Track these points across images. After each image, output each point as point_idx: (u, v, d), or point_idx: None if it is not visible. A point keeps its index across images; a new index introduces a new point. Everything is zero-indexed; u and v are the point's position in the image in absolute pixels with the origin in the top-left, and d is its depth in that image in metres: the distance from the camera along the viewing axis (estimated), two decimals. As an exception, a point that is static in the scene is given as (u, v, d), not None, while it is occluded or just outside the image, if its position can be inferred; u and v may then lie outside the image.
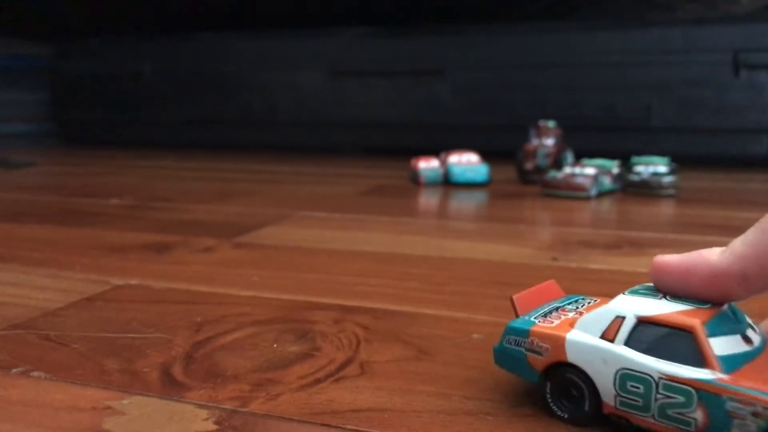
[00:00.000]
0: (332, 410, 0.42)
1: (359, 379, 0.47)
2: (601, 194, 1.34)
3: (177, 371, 0.48)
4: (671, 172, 1.33)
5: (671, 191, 1.31)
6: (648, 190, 1.32)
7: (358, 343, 0.54)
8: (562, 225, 1.12)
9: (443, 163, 1.55)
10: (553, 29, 2.06)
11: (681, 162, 1.45)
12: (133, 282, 0.72)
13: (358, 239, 0.95)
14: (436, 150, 1.63)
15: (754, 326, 0.40)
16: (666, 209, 1.23)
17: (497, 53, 2.09)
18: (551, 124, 1.56)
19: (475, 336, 0.55)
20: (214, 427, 0.40)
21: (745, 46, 1.83)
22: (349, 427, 0.40)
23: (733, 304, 0.40)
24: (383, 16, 2.37)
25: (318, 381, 0.46)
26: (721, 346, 0.36)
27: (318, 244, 0.91)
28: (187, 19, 2.62)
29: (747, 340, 0.38)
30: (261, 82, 2.45)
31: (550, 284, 0.47)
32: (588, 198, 1.29)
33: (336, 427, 0.40)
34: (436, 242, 0.94)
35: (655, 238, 0.96)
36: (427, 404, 0.43)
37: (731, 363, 0.35)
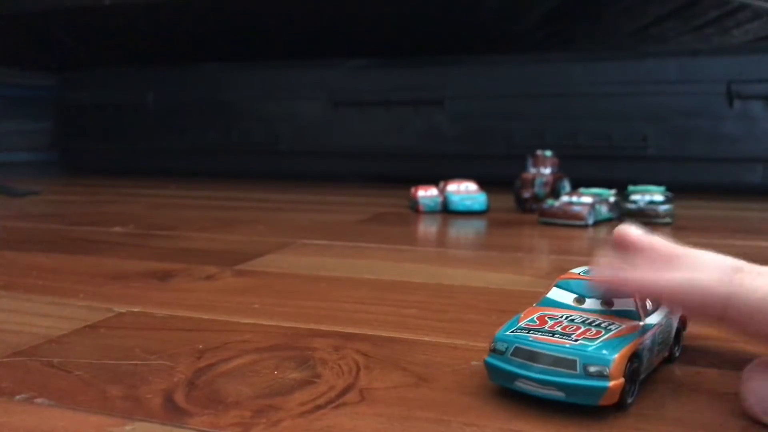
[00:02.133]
0: (332, 436, 0.43)
1: (359, 406, 0.47)
2: (598, 223, 1.35)
3: (179, 397, 0.49)
4: (667, 201, 1.35)
5: (667, 220, 1.33)
6: (644, 218, 1.34)
7: (358, 370, 0.54)
8: (559, 253, 1.13)
9: (442, 191, 1.57)
10: (550, 60, 2.10)
11: (677, 191, 1.46)
12: (136, 309, 0.73)
13: (357, 267, 0.96)
14: (435, 179, 1.65)
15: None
16: (663, 238, 1.24)
17: (495, 84, 2.12)
18: (548, 153, 1.58)
19: (474, 363, 0.56)
20: (216, 452, 0.41)
21: (739, 77, 1.86)
22: (348, 452, 0.41)
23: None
24: (383, 47, 2.41)
25: (318, 407, 0.47)
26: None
27: (318, 271, 0.92)
28: (190, 50, 2.66)
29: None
30: (263, 111, 2.49)
31: None
32: (585, 226, 1.31)
33: (336, 452, 0.41)
34: (434, 270, 0.95)
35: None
36: (426, 430, 0.44)
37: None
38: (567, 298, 0.51)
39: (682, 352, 0.56)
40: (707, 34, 2.35)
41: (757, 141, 1.82)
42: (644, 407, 0.46)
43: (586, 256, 1.09)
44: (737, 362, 0.55)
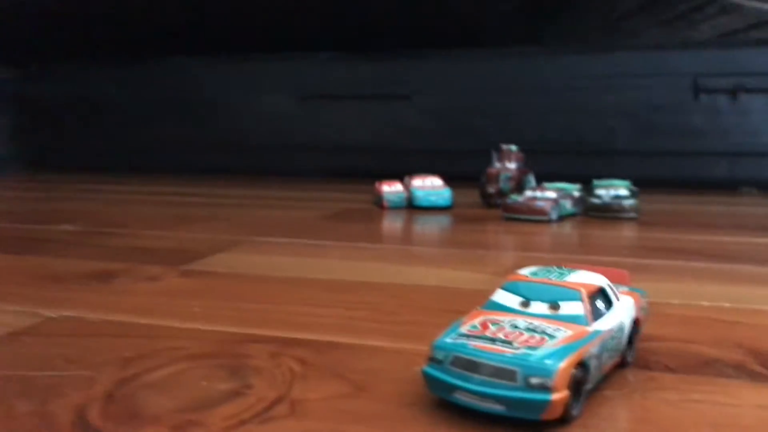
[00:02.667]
0: (253, 455, 0.39)
1: (287, 420, 0.44)
2: (562, 218, 1.33)
3: (93, 413, 0.45)
4: (632, 195, 1.33)
5: (632, 214, 1.31)
6: (609, 213, 1.32)
7: (293, 379, 0.51)
8: (521, 249, 1.11)
9: (407, 187, 1.53)
10: (518, 54, 2.07)
11: (643, 185, 1.45)
12: (68, 314, 0.69)
13: (312, 266, 0.92)
14: (401, 173, 1.62)
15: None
16: (626, 232, 1.22)
17: (463, 78, 2.09)
18: (513, 148, 1.55)
19: (417, 369, 0.52)
20: (123, 476, 0.37)
21: (705, 71, 1.86)
22: (268, 473, 0.37)
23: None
24: (352, 41, 2.37)
25: (243, 422, 0.43)
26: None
27: (270, 271, 0.89)
28: (154, 44, 2.60)
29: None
30: (229, 106, 2.43)
31: None
32: (549, 221, 1.28)
33: (254, 474, 0.37)
34: (392, 268, 0.92)
35: (615, 262, 0.94)
36: (357, 446, 0.40)
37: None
38: (513, 301, 0.48)
39: (635, 356, 0.53)
40: (675, 27, 2.35)
41: (722, 135, 1.81)
42: (591, 418, 0.44)
43: (549, 252, 1.07)
44: (694, 365, 0.53)
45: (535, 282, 0.49)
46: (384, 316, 0.68)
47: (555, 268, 0.51)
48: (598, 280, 0.50)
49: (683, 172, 1.86)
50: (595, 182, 1.39)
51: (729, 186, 1.84)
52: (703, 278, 0.85)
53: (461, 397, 0.42)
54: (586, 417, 0.43)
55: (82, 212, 1.49)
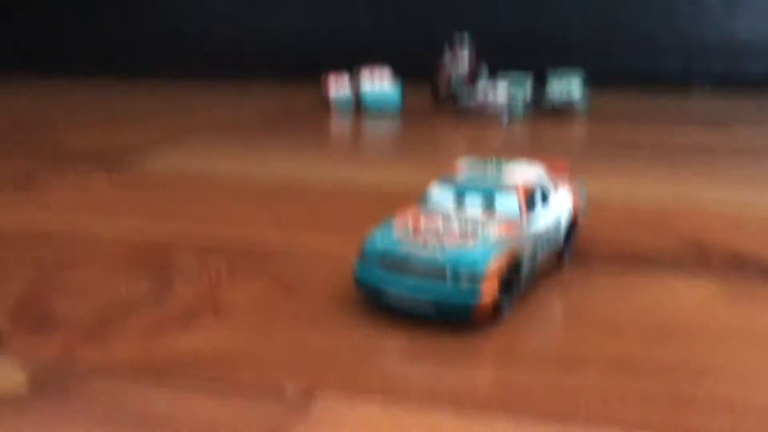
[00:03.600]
0: (170, 363, 0.37)
1: (211, 324, 0.42)
2: (514, 118, 1.30)
3: (1, 319, 0.42)
4: (583, 88, 1.30)
5: (581, 108, 1.29)
6: (560, 107, 1.30)
7: (218, 281, 0.48)
8: (470, 151, 1.09)
9: (355, 84, 1.47)
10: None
11: (598, 79, 1.42)
12: (-17, 217, 0.64)
13: (248, 167, 0.88)
14: (351, 65, 1.55)
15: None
16: (576, 128, 1.21)
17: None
18: (466, 38, 1.50)
19: (348, 269, 0.51)
20: (27, 386, 0.35)
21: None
22: (187, 383, 0.35)
23: None
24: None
25: (160, 327, 0.41)
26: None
27: (202, 172, 0.85)
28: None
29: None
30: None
31: None
32: (502, 128, 1.26)
33: (170, 386, 0.35)
34: (332, 170, 0.89)
35: (573, 160, 0.93)
36: (282, 347, 0.39)
37: None
38: (447, 197, 0.46)
39: (572, 252, 0.52)
40: None
41: (679, 29, 1.78)
42: (524, 316, 0.43)
43: (498, 153, 1.05)
44: (632, 261, 0.52)
45: (470, 177, 0.47)
46: (319, 217, 0.66)
47: (493, 159, 0.49)
48: (535, 172, 0.48)
49: (639, 66, 1.84)
50: (550, 73, 1.36)
51: (683, 81, 1.83)
52: (646, 173, 0.84)
53: (390, 297, 0.40)
54: (519, 315, 0.42)
55: (6, 108, 1.39)
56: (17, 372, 0.36)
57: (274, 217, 0.65)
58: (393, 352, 0.38)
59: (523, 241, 0.42)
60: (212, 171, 0.85)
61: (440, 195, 0.46)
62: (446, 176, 0.48)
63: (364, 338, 0.40)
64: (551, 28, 1.86)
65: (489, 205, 0.45)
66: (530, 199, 0.45)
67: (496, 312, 0.40)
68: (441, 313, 0.39)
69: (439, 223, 0.43)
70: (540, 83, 1.36)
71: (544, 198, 0.47)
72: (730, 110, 1.50)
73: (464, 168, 0.49)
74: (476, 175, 0.47)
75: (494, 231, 0.42)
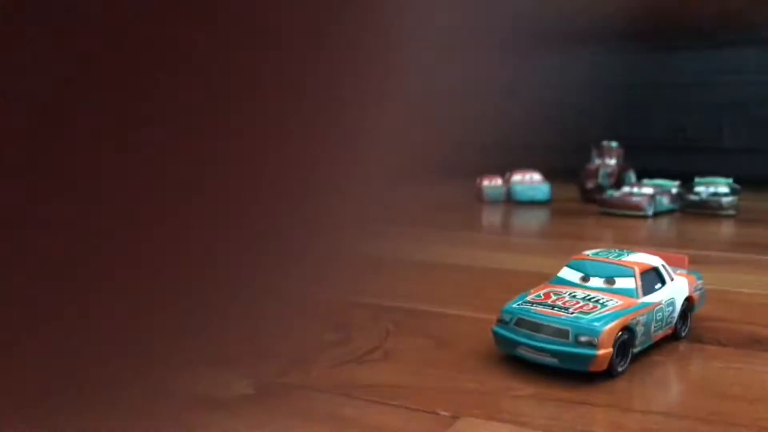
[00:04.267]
0: (352, 384, 0.50)
1: (380, 363, 0.54)
2: (659, 214, 1.35)
3: (233, 348, 0.58)
4: (732, 193, 1.33)
5: (731, 212, 1.31)
6: (707, 210, 1.33)
7: (387, 335, 0.61)
8: (615, 241, 1.16)
9: (507, 181, 1.60)
10: (622, 50, 2.08)
11: (752, 183, 1.44)
12: None
13: (411, 249, 1.03)
14: (502, 169, 1.69)
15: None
16: (724, 229, 1.24)
17: (567, 73, 2.12)
18: (614, 144, 1.58)
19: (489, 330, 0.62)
20: (247, 395, 0.49)
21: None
22: (366, 397, 0.48)
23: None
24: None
25: (344, 363, 0.54)
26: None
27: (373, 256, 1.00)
28: None
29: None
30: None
31: None
32: (645, 217, 1.32)
33: (353, 398, 0.48)
34: (485, 254, 1.00)
35: (710, 256, 0.98)
36: (436, 383, 0.50)
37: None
38: (575, 276, 0.56)
39: (689, 331, 0.59)
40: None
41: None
42: (636, 374, 0.51)
43: (640, 245, 1.11)
44: (745, 342, 0.58)
45: (595, 260, 0.57)
46: (470, 292, 0.77)
47: (615, 249, 0.59)
48: (653, 260, 0.57)
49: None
50: (697, 179, 1.41)
51: None
52: (787, 272, 0.87)
53: (523, 352, 0.51)
54: (632, 373, 0.51)
55: None
56: (242, 383, 0.51)
57: (430, 289, 0.78)
58: (523, 393, 0.48)
59: (638, 313, 0.51)
60: (378, 253, 1.00)
61: (568, 273, 0.57)
62: (574, 260, 0.58)
63: (500, 381, 0.50)
64: (703, 132, 1.89)
65: (609, 282, 0.54)
66: (646, 279, 0.54)
67: (610, 367, 0.49)
68: (564, 363, 0.49)
69: (566, 295, 0.53)
70: (688, 187, 1.41)
71: (660, 280, 0.56)
72: None
73: (590, 255, 0.59)
74: (601, 258, 0.57)
75: (612, 303, 0.51)
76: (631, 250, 0.59)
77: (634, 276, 0.54)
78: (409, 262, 0.94)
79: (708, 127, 1.89)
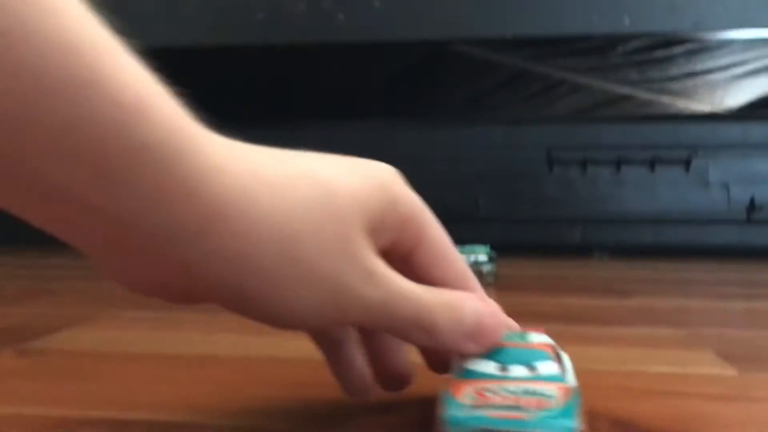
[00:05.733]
0: None
1: None
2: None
3: None
4: (490, 261, 1.40)
5: (490, 279, 1.37)
6: (470, 279, 1.38)
7: (118, 465, 0.48)
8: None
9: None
10: (384, 127, 2.16)
11: (504, 251, 1.53)
12: None
13: (166, 341, 0.89)
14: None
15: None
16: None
17: (324, 150, 2.14)
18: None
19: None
20: None
21: (557, 144, 2.01)
22: None
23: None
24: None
25: None
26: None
27: (116, 347, 0.84)
28: None
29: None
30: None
31: None
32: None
33: None
34: (247, 340, 0.90)
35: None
36: None
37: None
38: (489, 367, 0.48)
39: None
40: (534, 104, 2.54)
41: (575, 204, 1.96)
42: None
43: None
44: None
45: (504, 346, 0.50)
46: (230, 393, 0.67)
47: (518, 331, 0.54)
48: (544, 337, 0.53)
49: (541, 239, 1.99)
50: (458, 248, 1.45)
51: (583, 251, 1.98)
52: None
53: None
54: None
55: None
56: None
57: (182, 392, 0.66)
58: None
59: (579, 398, 0.45)
60: (126, 345, 0.85)
61: (481, 366, 0.49)
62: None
63: None
64: (460, 203, 2.01)
65: (532, 370, 0.48)
66: (559, 361, 0.49)
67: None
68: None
69: (500, 391, 0.44)
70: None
71: (559, 359, 0.51)
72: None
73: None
74: (512, 343, 0.50)
75: (552, 391, 0.44)
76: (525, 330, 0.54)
77: (552, 359, 0.48)
78: (157, 355, 0.81)
79: (464, 199, 2.01)
